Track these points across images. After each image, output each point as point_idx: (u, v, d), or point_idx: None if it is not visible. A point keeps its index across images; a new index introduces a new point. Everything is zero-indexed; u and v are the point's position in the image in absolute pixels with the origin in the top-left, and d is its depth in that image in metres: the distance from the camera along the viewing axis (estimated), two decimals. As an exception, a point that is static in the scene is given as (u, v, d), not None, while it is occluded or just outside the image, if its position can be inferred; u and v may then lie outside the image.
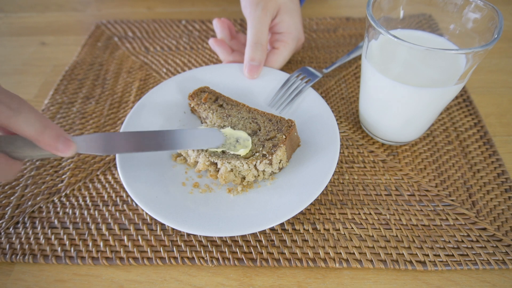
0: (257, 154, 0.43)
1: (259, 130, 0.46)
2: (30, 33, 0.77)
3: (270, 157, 0.42)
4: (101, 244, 0.43)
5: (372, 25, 0.41)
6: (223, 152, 0.44)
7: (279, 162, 0.44)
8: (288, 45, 0.57)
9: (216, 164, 0.45)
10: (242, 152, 0.43)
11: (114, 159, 0.52)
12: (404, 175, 0.49)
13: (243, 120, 0.48)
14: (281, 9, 0.56)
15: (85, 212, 0.46)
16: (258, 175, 0.44)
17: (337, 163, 0.50)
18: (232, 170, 0.44)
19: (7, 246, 0.43)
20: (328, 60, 0.67)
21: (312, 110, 0.50)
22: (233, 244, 0.43)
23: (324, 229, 0.44)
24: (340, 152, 0.51)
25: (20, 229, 0.45)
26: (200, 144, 0.44)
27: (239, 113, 0.49)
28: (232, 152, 0.44)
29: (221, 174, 0.43)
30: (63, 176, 0.50)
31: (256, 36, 0.53)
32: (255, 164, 0.43)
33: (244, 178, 0.45)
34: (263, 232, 0.44)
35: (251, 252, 0.42)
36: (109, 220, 0.45)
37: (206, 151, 0.45)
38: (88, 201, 0.47)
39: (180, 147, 0.42)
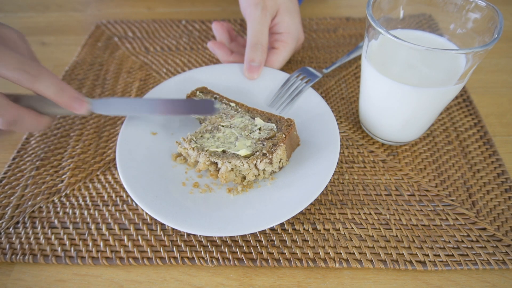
0: (257, 153, 0.43)
1: (259, 129, 0.46)
2: (30, 33, 0.77)
3: (270, 156, 0.42)
4: (101, 244, 0.43)
5: (372, 25, 0.41)
6: (224, 151, 0.44)
7: (279, 161, 0.44)
8: (288, 45, 0.57)
9: (216, 164, 0.45)
10: (243, 152, 0.43)
11: (114, 159, 0.52)
12: (404, 175, 0.49)
13: (242, 119, 0.48)
14: (281, 9, 0.56)
15: (85, 212, 0.46)
16: (259, 174, 0.44)
17: (337, 163, 0.50)
18: (232, 169, 0.44)
19: (7, 246, 0.43)
20: (328, 60, 0.67)
21: (312, 110, 0.50)
22: (233, 244, 0.43)
23: (324, 229, 0.44)
24: (340, 152, 0.51)
25: (20, 229, 0.45)
26: (194, 111, 0.47)
27: (238, 113, 0.49)
28: (232, 152, 0.44)
29: (222, 173, 0.43)
30: (63, 176, 0.50)
31: (255, 37, 0.53)
32: (256, 163, 0.43)
33: (244, 177, 0.45)
34: (263, 232, 0.44)
35: (251, 252, 0.42)
36: (109, 220, 0.45)
37: (206, 150, 0.45)
38: (88, 201, 0.47)
39: (176, 112, 0.47)
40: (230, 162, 0.43)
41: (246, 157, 0.43)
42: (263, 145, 0.44)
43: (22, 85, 0.40)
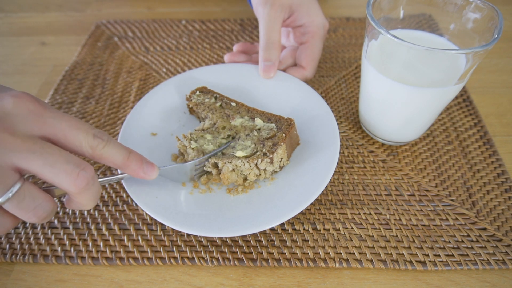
0: (258, 153, 0.43)
1: (259, 130, 0.46)
2: (30, 33, 0.77)
3: (271, 156, 0.42)
4: (101, 244, 0.43)
5: (372, 25, 0.41)
6: (223, 153, 0.44)
7: (280, 161, 0.44)
8: (316, 34, 0.54)
9: (217, 166, 0.45)
10: (240, 153, 0.43)
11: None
12: (404, 175, 0.49)
13: (242, 120, 0.48)
14: (294, 3, 0.53)
15: (85, 212, 0.46)
16: (260, 174, 0.44)
17: (337, 163, 0.50)
18: (234, 170, 0.44)
19: (7, 246, 0.43)
20: (328, 60, 0.67)
21: (312, 110, 0.50)
22: (233, 244, 0.43)
23: (324, 229, 0.44)
24: (340, 152, 0.51)
25: (20, 229, 0.45)
26: None
27: (238, 113, 0.49)
28: (231, 153, 0.44)
29: (224, 174, 0.43)
30: (63, 176, 0.50)
31: (267, 35, 0.52)
32: (256, 163, 0.43)
33: (246, 178, 0.45)
34: (263, 232, 0.44)
35: (251, 252, 0.42)
36: (109, 220, 0.45)
37: (205, 154, 0.45)
38: (88, 201, 0.47)
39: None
40: (231, 162, 0.43)
41: (247, 157, 0.43)
42: (263, 145, 0.44)
43: (93, 151, 0.34)
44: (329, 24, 0.75)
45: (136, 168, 0.37)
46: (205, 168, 0.45)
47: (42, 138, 0.32)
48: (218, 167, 0.45)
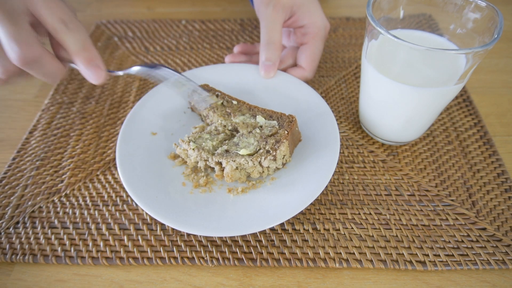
0: (261, 150, 0.43)
1: (261, 127, 0.47)
2: (30, 33, 0.77)
3: (274, 153, 0.43)
4: (101, 244, 0.43)
5: (372, 25, 0.41)
6: (227, 151, 0.44)
7: (283, 158, 0.44)
8: (317, 35, 0.55)
9: (221, 164, 0.45)
10: (244, 151, 0.43)
11: (114, 159, 0.52)
12: (404, 175, 0.49)
13: (244, 117, 0.48)
14: (295, 4, 0.54)
15: (85, 212, 0.46)
16: (263, 172, 0.44)
17: (337, 163, 0.50)
18: (237, 168, 0.44)
19: (7, 246, 0.43)
20: (328, 60, 0.67)
21: (312, 110, 0.50)
22: (233, 244, 0.43)
23: (324, 229, 0.44)
24: (340, 152, 0.51)
25: (20, 229, 0.45)
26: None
27: (239, 111, 0.49)
28: (235, 151, 0.44)
29: (227, 173, 0.43)
30: (63, 176, 0.50)
31: (267, 35, 0.52)
32: (260, 161, 0.43)
33: (249, 175, 0.45)
34: (263, 232, 0.44)
35: (251, 252, 0.42)
36: (109, 220, 0.45)
37: (208, 152, 0.45)
38: (88, 201, 0.47)
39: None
40: (234, 161, 0.43)
41: (250, 155, 0.43)
42: (266, 142, 0.44)
43: (53, 35, 0.39)
44: (329, 24, 0.74)
45: (81, 65, 0.41)
46: (208, 163, 0.45)
47: (28, 15, 0.38)
48: (221, 165, 0.45)
